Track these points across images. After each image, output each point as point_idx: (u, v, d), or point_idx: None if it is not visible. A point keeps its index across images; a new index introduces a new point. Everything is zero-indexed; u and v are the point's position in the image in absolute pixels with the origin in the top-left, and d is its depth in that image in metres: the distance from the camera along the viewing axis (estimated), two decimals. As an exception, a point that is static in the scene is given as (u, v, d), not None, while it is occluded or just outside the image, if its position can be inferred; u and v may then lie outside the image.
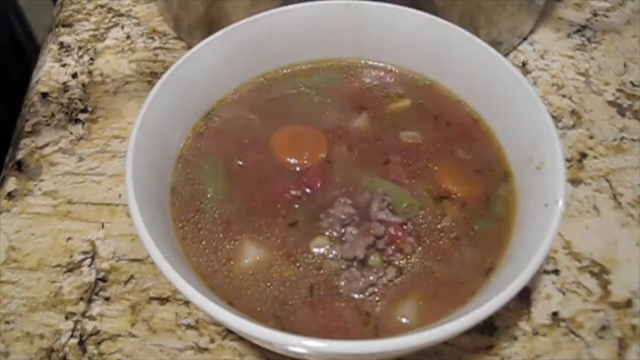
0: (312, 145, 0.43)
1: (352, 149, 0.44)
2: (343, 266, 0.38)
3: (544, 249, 0.34)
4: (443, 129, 0.45)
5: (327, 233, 0.39)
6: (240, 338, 0.42)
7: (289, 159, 0.43)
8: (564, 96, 0.55)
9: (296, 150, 0.43)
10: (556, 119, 0.53)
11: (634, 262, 0.45)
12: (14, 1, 0.75)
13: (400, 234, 0.39)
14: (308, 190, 0.41)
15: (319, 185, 0.41)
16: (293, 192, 0.41)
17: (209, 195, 0.41)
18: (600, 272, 0.45)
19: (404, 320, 0.36)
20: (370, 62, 0.48)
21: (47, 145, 0.53)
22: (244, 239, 0.39)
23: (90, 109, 0.55)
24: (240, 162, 0.43)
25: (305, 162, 0.43)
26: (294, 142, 0.44)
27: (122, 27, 0.61)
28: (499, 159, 0.43)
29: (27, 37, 0.77)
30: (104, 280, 0.45)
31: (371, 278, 0.37)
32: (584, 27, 0.60)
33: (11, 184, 0.50)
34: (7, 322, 0.43)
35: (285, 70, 0.48)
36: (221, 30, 0.44)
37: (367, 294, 0.37)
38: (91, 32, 0.61)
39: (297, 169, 0.42)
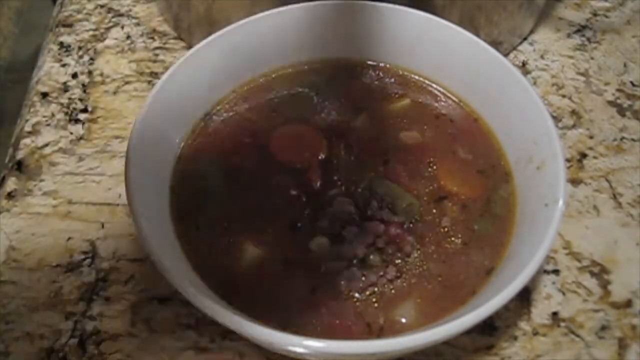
0: (312, 146, 0.43)
1: (351, 148, 0.44)
2: (343, 266, 0.38)
3: (544, 249, 0.34)
4: (443, 129, 0.45)
5: (326, 232, 0.39)
6: (240, 338, 0.42)
7: (288, 159, 0.43)
8: (564, 96, 0.55)
9: (295, 151, 0.43)
10: (556, 119, 0.53)
11: (634, 262, 0.45)
12: None
13: (400, 233, 0.39)
14: (307, 190, 0.41)
15: (318, 185, 0.41)
16: (292, 192, 0.41)
17: (208, 195, 0.41)
18: (600, 272, 0.45)
19: (404, 320, 0.36)
20: (370, 62, 0.49)
21: (47, 145, 0.53)
22: (244, 239, 0.39)
23: (90, 109, 0.55)
24: (240, 162, 0.43)
25: (305, 162, 0.43)
26: (293, 143, 0.44)
27: (122, 27, 0.61)
28: (499, 159, 0.43)
29: None
30: (104, 280, 0.45)
31: (372, 277, 0.37)
32: (584, 27, 0.60)
33: (11, 184, 0.50)
34: (7, 322, 0.43)
35: (284, 71, 0.48)
36: (221, 30, 0.44)
37: (367, 293, 0.37)
38: (91, 32, 0.61)
39: (297, 168, 0.42)
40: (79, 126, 0.54)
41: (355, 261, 0.38)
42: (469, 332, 0.36)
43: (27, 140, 0.53)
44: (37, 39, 0.63)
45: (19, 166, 0.51)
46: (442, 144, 0.44)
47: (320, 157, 0.43)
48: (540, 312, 0.43)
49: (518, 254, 0.37)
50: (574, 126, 0.53)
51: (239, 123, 0.45)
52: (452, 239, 0.39)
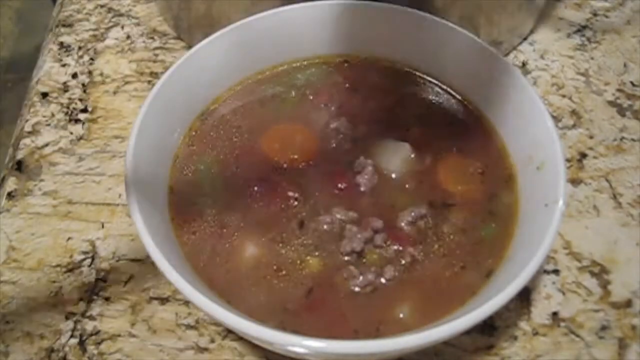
0: (309, 145, 0.43)
1: (350, 148, 0.43)
2: (342, 264, 0.38)
3: (544, 249, 0.34)
4: (445, 129, 0.45)
5: (325, 230, 0.39)
6: (240, 338, 0.42)
7: (285, 158, 0.43)
8: (564, 96, 0.55)
9: (293, 150, 0.43)
10: (556, 119, 0.53)
11: (634, 262, 0.45)
12: None
13: (400, 233, 0.39)
14: (306, 189, 0.41)
15: (317, 183, 0.41)
16: (291, 191, 0.41)
17: (206, 195, 0.41)
18: (600, 272, 0.45)
19: (403, 319, 0.36)
20: (370, 61, 0.48)
21: (47, 145, 0.53)
22: (242, 238, 0.39)
23: (90, 109, 0.55)
24: (236, 162, 0.43)
25: (302, 161, 0.43)
26: (290, 142, 0.44)
27: (122, 27, 0.61)
28: (502, 159, 0.43)
29: None
30: (104, 280, 0.45)
31: (369, 277, 0.37)
32: (584, 27, 0.60)
33: (11, 184, 0.50)
34: (7, 322, 0.43)
35: (282, 69, 0.48)
36: (221, 30, 0.44)
37: (366, 292, 0.37)
38: (91, 32, 0.61)
39: (294, 167, 0.42)
40: (79, 126, 0.54)
41: (353, 256, 0.38)
42: (469, 332, 0.36)
43: (27, 140, 0.53)
44: (37, 39, 0.63)
45: (19, 166, 0.51)
46: (444, 143, 0.44)
47: (319, 156, 0.43)
48: (540, 312, 0.43)
49: (518, 254, 0.37)
50: (574, 126, 0.53)
51: (234, 122, 0.45)
52: (453, 238, 0.39)
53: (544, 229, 0.35)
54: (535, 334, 0.42)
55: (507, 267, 0.37)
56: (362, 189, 0.41)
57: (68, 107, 0.55)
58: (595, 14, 0.61)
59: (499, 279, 0.36)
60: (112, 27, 0.61)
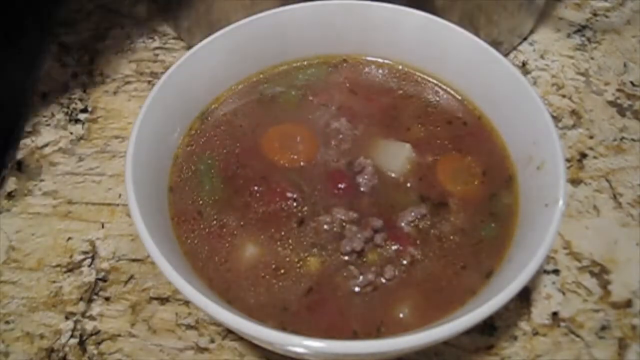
0: (309, 144, 0.43)
1: (350, 148, 0.44)
2: (342, 263, 0.38)
3: (544, 249, 0.34)
4: (445, 129, 0.45)
5: (325, 230, 0.39)
6: (240, 338, 0.42)
7: (285, 158, 0.43)
8: (564, 96, 0.55)
9: (292, 149, 0.43)
10: (556, 119, 0.53)
11: (634, 262, 0.45)
12: None
13: (400, 232, 0.39)
14: (305, 190, 0.41)
15: (316, 184, 0.41)
16: (290, 191, 0.41)
17: (206, 195, 0.41)
18: (600, 272, 0.45)
19: (403, 319, 0.36)
20: (370, 60, 0.48)
21: (47, 145, 0.53)
22: (242, 238, 0.39)
23: (90, 109, 0.55)
24: (236, 162, 0.43)
25: (302, 160, 0.43)
26: (289, 142, 0.44)
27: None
28: (502, 159, 0.42)
29: None
30: (104, 280, 0.45)
31: (369, 277, 0.37)
32: (584, 27, 0.60)
33: (11, 184, 0.50)
34: (7, 322, 0.43)
35: (283, 69, 0.48)
36: (221, 30, 0.44)
37: (366, 292, 0.37)
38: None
39: (294, 167, 0.42)
40: (79, 126, 0.54)
41: (353, 256, 0.38)
42: (469, 332, 0.36)
43: (27, 140, 0.53)
44: (37, 39, 0.63)
45: (19, 166, 0.51)
46: (444, 143, 0.44)
47: (318, 156, 0.43)
48: (540, 312, 0.43)
49: (518, 254, 0.37)
50: (574, 126, 0.53)
51: (234, 122, 0.45)
52: (453, 239, 0.39)
53: (544, 229, 0.35)
54: (535, 334, 0.42)
55: (507, 267, 0.37)
56: (362, 189, 0.41)
57: (68, 107, 0.55)
58: (595, 14, 0.61)
59: (499, 279, 0.36)
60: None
